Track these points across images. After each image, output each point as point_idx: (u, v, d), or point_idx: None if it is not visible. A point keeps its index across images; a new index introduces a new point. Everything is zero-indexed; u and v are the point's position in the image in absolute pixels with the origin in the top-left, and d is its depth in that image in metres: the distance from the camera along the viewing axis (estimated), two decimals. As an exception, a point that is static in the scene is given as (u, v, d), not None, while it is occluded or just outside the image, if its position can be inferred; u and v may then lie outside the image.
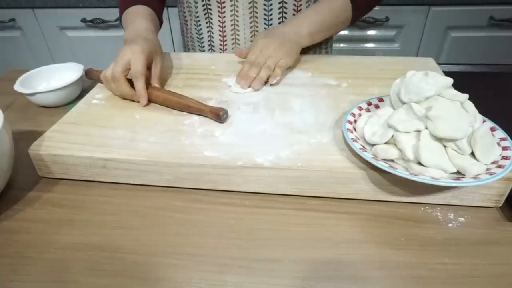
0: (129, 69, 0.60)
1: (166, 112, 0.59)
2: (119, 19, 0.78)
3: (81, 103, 0.63)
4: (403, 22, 1.32)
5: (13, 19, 1.43)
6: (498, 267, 0.39)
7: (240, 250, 0.42)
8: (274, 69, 0.65)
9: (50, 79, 0.74)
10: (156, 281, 0.39)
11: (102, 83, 0.65)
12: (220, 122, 0.55)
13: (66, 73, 0.73)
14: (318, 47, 0.84)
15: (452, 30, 1.32)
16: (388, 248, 0.42)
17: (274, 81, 0.65)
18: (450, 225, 0.44)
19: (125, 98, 0.63)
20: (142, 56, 0.59)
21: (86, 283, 0.39)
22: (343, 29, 0.76)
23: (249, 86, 0.64)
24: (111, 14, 1.38)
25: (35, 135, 0.54)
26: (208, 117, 0.57)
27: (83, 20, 1.39)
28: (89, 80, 0.78)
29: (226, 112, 0.56)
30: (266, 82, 0.66)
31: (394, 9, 1.27)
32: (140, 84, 0.59)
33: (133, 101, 0.62)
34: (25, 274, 0.40)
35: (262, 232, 0.44)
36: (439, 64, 0.72)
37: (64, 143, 0.52)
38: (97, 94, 0.65)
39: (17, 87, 0.67)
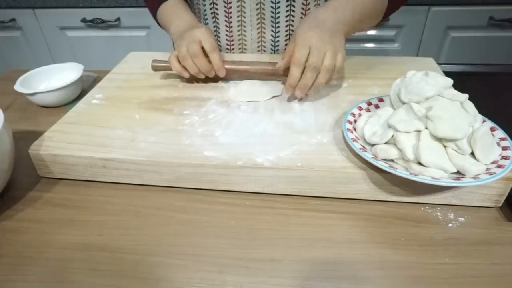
0: (202, 46, 0.63)
1: (166, 112, 0.59)
2: (152, 14, 0.80)
3: (81, 103, 0.63)
4: (403, 22, 1.32)
5: (13, 19, 1.43)
6: (498, 267, 0.39)
7: (240, 250, 0.42)
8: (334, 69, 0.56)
9: (50, 79, 0.74)
10: (156, 281, 0.39)
11: (169, 70, 0.68)
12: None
13: (66, 73, 0.73)
14: None
15: (452, 30, 1.32)
16: (388, 248, 0.42)
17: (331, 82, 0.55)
18: (450, 225, 0.44)
19: (190, 81, 0.68)
20: (211, 35, 0.65)
21: (86, 283, 0.39)
22: (374, 24, 0.70)
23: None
24: (111, 14, 1.38)
25: (35, 135, 0.54)
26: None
27: (83, 20, 1.39)
28: (89, 80, 0.79)
29: None
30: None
31: (394, 9, 1.27)
32: (216, 57, 0.63)
33: (196, 82, 0.68)
34: (25, 274, 0.40)
35: (262, 232, 0.44)
36: (439, 64, 0.72)
37: (64, 143, 0.52)
38: (97, 94, 0.65)
39: (17, 87, 0.67)
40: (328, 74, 0.56)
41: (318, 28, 0.57)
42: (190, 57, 0.63)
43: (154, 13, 0.80)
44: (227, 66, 0.66)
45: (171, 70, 0.67)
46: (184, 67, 0.65)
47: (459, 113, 0.44)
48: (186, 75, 0.65)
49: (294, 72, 0.55)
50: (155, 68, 0.69)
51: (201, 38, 0.63)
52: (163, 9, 0.76)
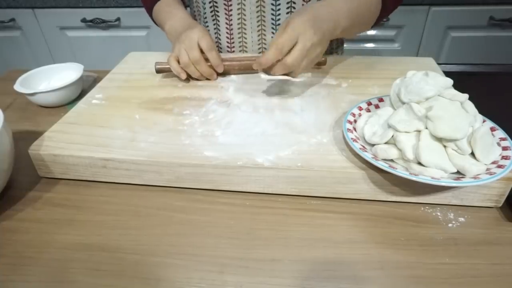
0: (201, 49, 0.65)
1: (166, 112, 0.59)
2: (148, 13, 0.82)
3: (81, 103, 0.63)
4: (403, 22, 1.32)
5: (13, 19, 1.43)
6: (498, 267, 0.39)
7: (240, 250, 0.42)
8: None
9: (50, 79, 0.74)
10: (156, 281, 0.39)
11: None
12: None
13: (66, 73, 0.73)
14: (329, 48, 0.83)
15: (452, 30, 1.32)
16: (388, 248, 0.42)
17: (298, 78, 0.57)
18: (450, 225, 0.44)
19: (189, 80, 0.69)
20: (207, 34, 0.67)
21: (86, 283, 0.39)
22: (368, 29, 0.70)
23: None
24: (111, 14, 1.38)
25: (35, 135, 0.54)
26: None
27: (83, 20, 1.39)
28: (89, 80, 0.79)
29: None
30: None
31: (394, 9, 1.28)
32: (215, 55, 0.66)
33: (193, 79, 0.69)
34: (25, 274, 0.40)
35: (262, 232, 0.44)
36: (439, 64, 0.72)
37: (64, 143, 0.52)
38: (97, 94, 0.65)
39: (17, 87, 0.67)
40: (299, 73, 0.57)
41: (312, 21, 0.54)
42: (192, 64, 0.65)
43: (149, 12, 0.81)
44: (224, 63, 0.68)
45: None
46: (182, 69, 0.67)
47: (459, 113, 0.44)
48: (183, 77, 0.67)
49: (270, 54, 0.52)
50: (158, 70, 0.70)
51: (198, 39, 0.65)
52: (157, 7, 0.78)
